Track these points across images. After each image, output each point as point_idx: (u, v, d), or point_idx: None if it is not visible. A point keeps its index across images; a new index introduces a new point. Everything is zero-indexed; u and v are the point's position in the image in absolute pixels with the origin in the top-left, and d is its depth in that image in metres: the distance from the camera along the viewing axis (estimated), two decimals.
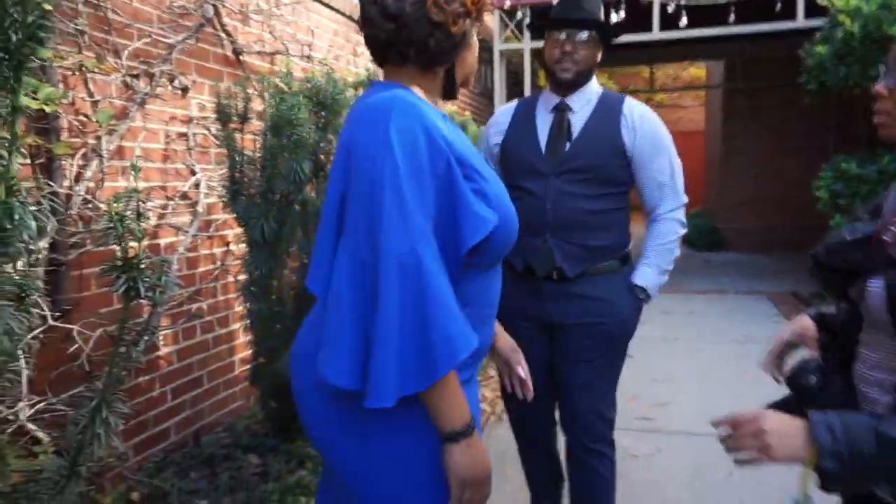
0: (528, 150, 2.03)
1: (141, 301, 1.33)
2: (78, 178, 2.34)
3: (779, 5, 5.97)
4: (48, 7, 1.05)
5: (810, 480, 1.01)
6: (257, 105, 2.74)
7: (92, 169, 2.36)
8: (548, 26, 2.03)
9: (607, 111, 2.02)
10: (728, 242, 10.14)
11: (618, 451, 2.14)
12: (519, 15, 6.83)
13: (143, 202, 1.22)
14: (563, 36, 1.97)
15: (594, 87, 2.08)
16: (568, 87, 2.02)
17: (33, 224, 0.95)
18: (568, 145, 1.99)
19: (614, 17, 5.93)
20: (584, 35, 1.97)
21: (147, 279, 1.25)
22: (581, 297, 1.98)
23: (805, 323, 1.38)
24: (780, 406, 1.21)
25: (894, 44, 1.06)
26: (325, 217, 1.16)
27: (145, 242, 1.43)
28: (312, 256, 1.15)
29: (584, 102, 2.04)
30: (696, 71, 14.44)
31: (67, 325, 2.23)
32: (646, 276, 2.04)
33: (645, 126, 2.00)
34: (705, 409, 3.44)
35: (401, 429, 1.14)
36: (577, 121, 2.02)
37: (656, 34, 6.68)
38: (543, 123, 2.05)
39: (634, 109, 2.03)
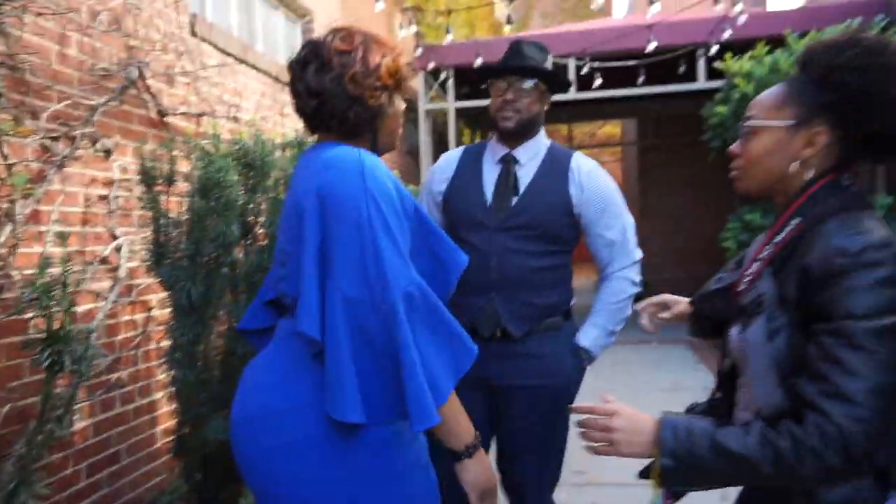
0: (474, 202, 1.97)
1: (62, 374, 1.27)
2: None
3: (682, 68, 6.42)
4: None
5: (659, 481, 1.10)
6: (183, 166, 2.69)
7: (5, 234, 2.25)
8: (492, 76, 2.01)
9: (555, 166, 1.98)
10: (650, 292, 10.47)
11: None
12: (443, 75, 7.05)
13: (70, 271, 1.18)
14: (504, 85, 1.95)
15: (542, 140, 2.04)
16: (511, 136, 1.98)
17: None
18: (514, 200, 1.94)
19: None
20: (527, 84, 1.93)
21: (71, 351, 1.20)
22: (525, 356, 1.91)
23: (682, 308, 1.53)
24: None
25: (743, 118, 1.22)
26: (306, 263, 1.18)
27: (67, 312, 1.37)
28: (301, 301, 1.17)
29: (531, 155, 2.00)
30: (612, 129, 15.20)
31: None
32: (590, 336, 1.99)
33: (593, 183, 1.96)
34: (637, 459, 3.49)
35: (390, 467, 1.20)
36: (524, 174, 1.97)
37: (573, 94, 7.02)
38: (490, 175, 2.00)
39: (582, 165, 1.99)
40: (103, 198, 2.77)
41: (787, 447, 0.98)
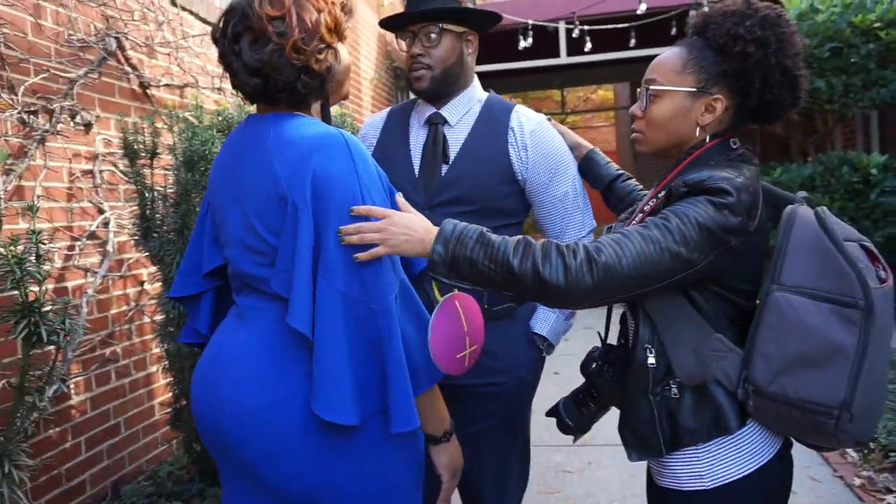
0: (399, 174, 1.63)
1: (48, 348, 1.27)
2: None
3: (674, 29, 6.34)
4: None
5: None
6: (168, 139, 2.66)
7: None
8: (394, 29, 1.68)
9: (492, 125, 1.65)
10: None
11: (551, 468, 2.16)
12: None
13: (44, 244, 1.16)
14: (408, 38, 1.64)
15: (475, 94, 1.69)
16: (430, 97, 1.66)
17: None
18: (445, 169, 1.62)
19: (522, 44, 6.13)
20: (434, 31, 1.60)
21: (49, 323, 1.19)
22: None
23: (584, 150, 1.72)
24: (579, 391, 1.41)
25: (644, 80, 1.25)
26: (301, 259, 1.09)
27: (50, 286, 1.35)
28: (294, 296, 1.09)
29: (462, 112, 1.66)
30: (605, 93, 15.08)
31: None
32: (547, 321, 1.71)
33: (538, 143, 1.63)
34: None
35: (387, 449, 1.18)
36: (455, 137, 1.65)
37: (564, 59, 6.95)
38: (417, 140, 1.68)
39: (525, 122, 1.65)
40: (88, 172, 2.75)
41: (541, 248, 1.08)
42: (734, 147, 1.20)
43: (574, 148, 1.74)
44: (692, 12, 6.26)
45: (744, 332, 1.15)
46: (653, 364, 1.16)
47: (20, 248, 1.16)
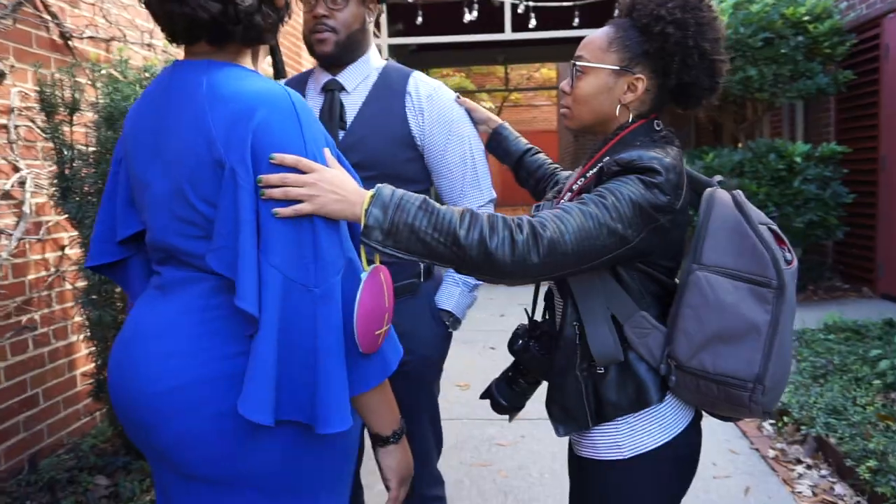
0: None
1: None
2: None
3: (617, 11, 6.41)
4: None
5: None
6: (90, 95, 2.50)
7: None
8: None
9: (389, 91, 1.63)
10: None
11: (484, 441, 2.19)
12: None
13: None
14: None
15: (373, 62, 1.66)
16: (332, 63, 1.63)
17: None
18: (342, 135, 1.60)
19: (468, 17, 6.07)
20: None
21: None
22: None
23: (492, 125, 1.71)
24: (509, 370, 1.44)
25: (574, 57, 1.28)
26: (244, 226, 0.96)
27: None
28: (239, 270, 0.96)
29: (359, 79, 1.64)
30: (548, 72, 15.17)
31: None
32: (452, 296, 1.69)
33: (434, 107, 1.62)
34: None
35: (312, 441, 1.06)
36: (352, 103, 1.62)
37: (508, 34, 6.93)
38: (314, 107, 1.64)
39: (421, 87, 1.64)
40: (2, 127, 2.57)
41: (487, 219, 1.05)
42: (658, 128, 1.24)
43: (483, 122, 1.73)
44: None
45: (664, 309, 1.19)
46: (580, 342, 1.19)
47: None
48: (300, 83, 1.71)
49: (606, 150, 1.23)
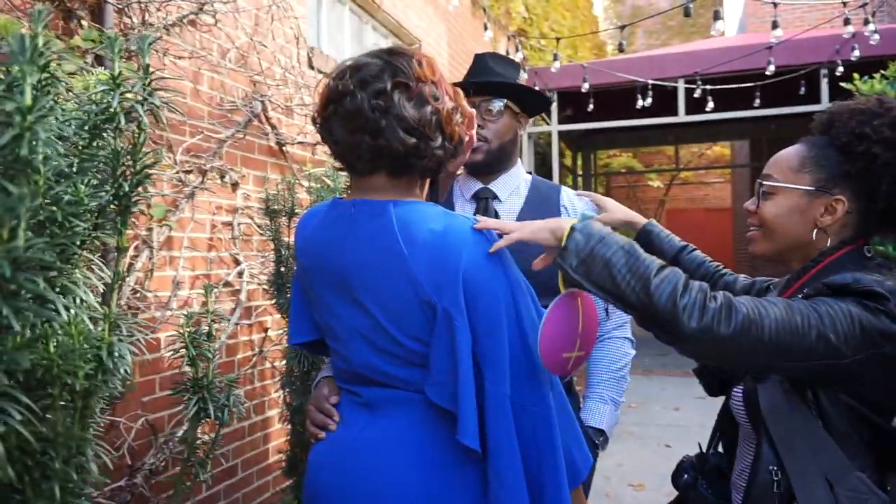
0: None
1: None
2: (129, 268, 2.40)
3: (803, 89, 6.07)
4: (154, 159, 1.06)
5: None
6: (300, 193, 2.81)
7: (142, 260, 2.42)
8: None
9: (545, 203, 1.64)
10: None
11: None
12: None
13: (216, 322, 1.23)
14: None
15: (521, 173, 1.70)
16: (481, 171, 1.66)
17: (129, 359, 0.96)
18: None
19: (640, 103, 6.07)
20: (495, 105, 1.61)
21: (216, 399, 1.26)
22: None
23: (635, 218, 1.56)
24: None
25: (761, 176, 1.20)
26: (463, 365, 1.02)
27: (215, 362, 1.42)
28: (461, 408, 1.02)
29: (510, 189, 1.66)
30: (720, 149, 14.58)
31: (112, 417, 2.23)
32: (602, 414, 1.63)
33: None
34: None
35: None
36: (506, 212, 1.64)
37: (682, 117, 6.80)
38: (464, 213, 1.62)
39: (575, 201, 1.67)
40: (227, 224, 2.94)
41: (684, 278, 1.00)
42: (869, 255, 1.11)
43: (627, 224, 1.65)
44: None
45: (877, 463, 1.03)
46: (780, 491, 1.04)
47: (190, 326, 1.24)
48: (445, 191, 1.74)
49: (808, 278, 1.12)
